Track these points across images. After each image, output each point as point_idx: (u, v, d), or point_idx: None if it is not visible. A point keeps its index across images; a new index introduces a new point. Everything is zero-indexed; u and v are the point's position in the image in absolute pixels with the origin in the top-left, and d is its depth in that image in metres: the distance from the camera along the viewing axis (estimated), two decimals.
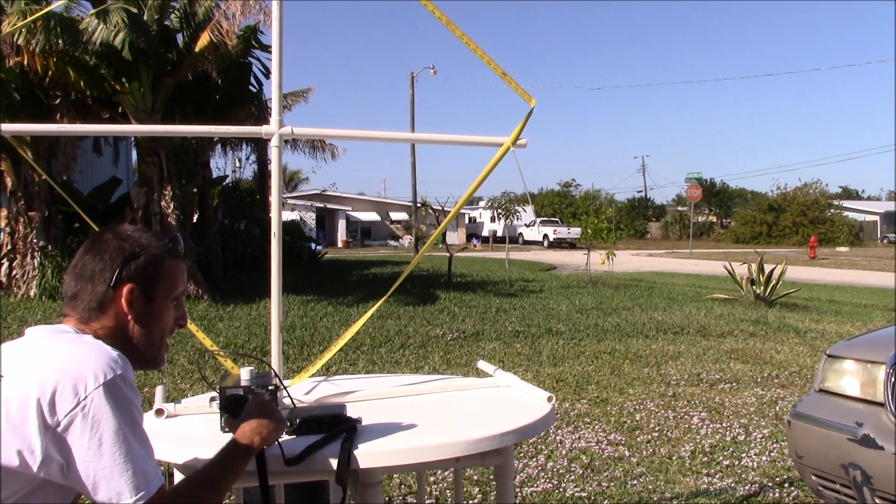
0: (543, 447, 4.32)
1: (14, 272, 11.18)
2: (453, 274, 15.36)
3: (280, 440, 1.52)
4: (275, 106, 2.14)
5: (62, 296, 1.40)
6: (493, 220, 38.71)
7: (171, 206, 11.15)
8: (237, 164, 30.55)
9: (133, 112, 11.11)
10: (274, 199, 2.23)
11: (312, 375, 2.29)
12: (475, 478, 3.77)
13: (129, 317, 1.36)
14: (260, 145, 15.67)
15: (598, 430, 4.69)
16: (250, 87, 13.02)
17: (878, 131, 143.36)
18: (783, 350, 7.72)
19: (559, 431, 4.62)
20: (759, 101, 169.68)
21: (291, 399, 1.86)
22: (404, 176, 79.40)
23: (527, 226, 43.24)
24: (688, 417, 5.05)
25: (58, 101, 11.05)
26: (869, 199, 67.74)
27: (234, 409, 1.57)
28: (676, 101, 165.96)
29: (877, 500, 2.56)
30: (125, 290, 1.35)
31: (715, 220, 57.11)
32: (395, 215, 46.59)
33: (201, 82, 11.70)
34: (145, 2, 10.88)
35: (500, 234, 40.49)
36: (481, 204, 45.84)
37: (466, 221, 48.28)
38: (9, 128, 2.26)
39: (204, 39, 10.32)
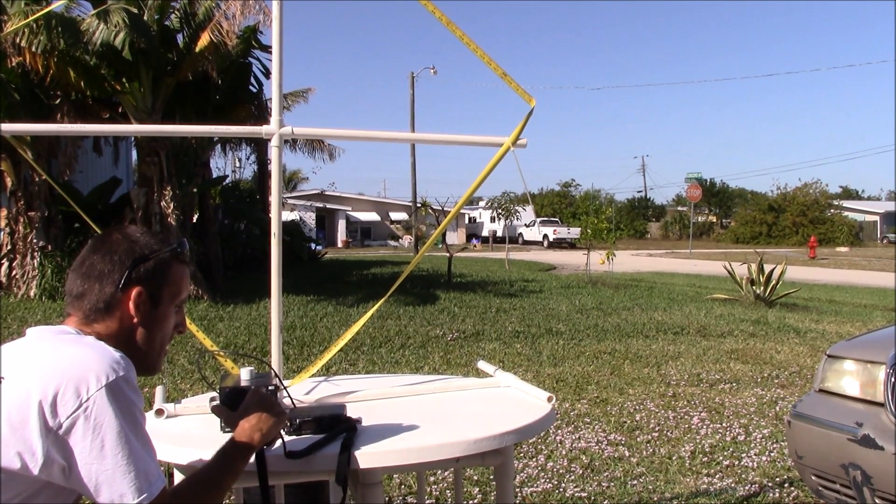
0: (543, 447, 4.33)
1: (14, 272, 11.18)
2: (453, 274, 15.35)
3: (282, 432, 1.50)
4: (275, 106, 2.15)
5: (63, 295, 1.39)
6: (493, 220, 38.72)
7: (171, 206, 11.16)
8: (237, 164, 30.66)
9: (133, 112, 11.11)
10: (274, 199, 2.23)
11: (312, 375, 2.30)
12: (475, 478, 3.77)
13: (135, 320, 1.35)
14: (260, 145, 15.68)
15: (598, 431, 4.69)
16: (250, 87, 13.05)
17: (878, 131, 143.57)
18: (783, 350, 7.72)
19: (559, 431, 4.62)
20: (759, 101, 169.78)
21: (291, 399, 1.86)
22: (404, 176, 79.34)
23: (527, 226, 43.24)
24: (688, 417, 5.05)
25: (58, 101, 11.06)
26: (869, 199, 67.71)
27: (233, 404, 1.54)
28: (676, 101, 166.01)
29: (877, 500, 2.56)
30: (133, 292, 1.34)
31: (715, 220, 57.10)
32: (395, 215, 46.55)
33: (201, 82, 11.71)
34: (145, 2, 10.90)
35: (500, 234, 40.48)
36: (481, 204, 45.85)
37: (466, 221, 48.26)
38: (9, 128, 2.26)
39: (204, 39, 10.33)
